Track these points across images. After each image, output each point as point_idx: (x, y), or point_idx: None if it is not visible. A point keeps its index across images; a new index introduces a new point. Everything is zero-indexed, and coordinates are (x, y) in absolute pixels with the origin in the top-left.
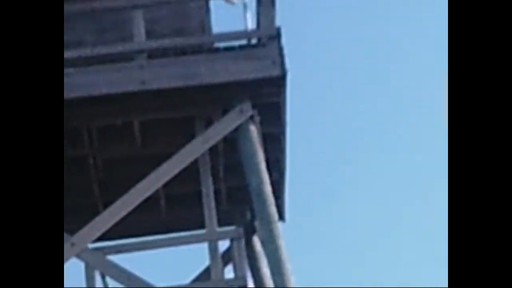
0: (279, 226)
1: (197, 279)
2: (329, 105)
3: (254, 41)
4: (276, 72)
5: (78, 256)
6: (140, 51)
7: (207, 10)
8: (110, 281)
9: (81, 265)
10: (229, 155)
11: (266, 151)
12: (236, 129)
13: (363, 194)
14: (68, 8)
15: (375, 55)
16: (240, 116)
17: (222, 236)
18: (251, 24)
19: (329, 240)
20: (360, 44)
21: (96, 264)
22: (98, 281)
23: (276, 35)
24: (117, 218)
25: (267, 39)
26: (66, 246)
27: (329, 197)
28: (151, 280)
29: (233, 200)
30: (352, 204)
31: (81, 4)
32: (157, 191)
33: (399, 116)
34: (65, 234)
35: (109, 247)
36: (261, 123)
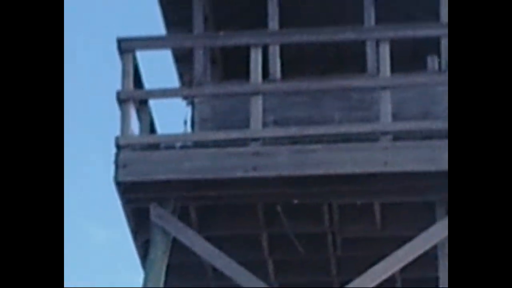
0: None
1: None
2: None
3: None
4: None
5: None
6: (386, 133)
7: None
8: None
9: None
10: None
11: None
12: None
13: None
14: (317, 84)
15: None
16: None
17: None
18: None
19: None
20: None
21: None
22: None
23: None
24: None
25: None
26: None
27: None
28: None
29: None
30: None
31: (331, 82)
32: (393, 274)
33: None
34: None
35: None
36: None
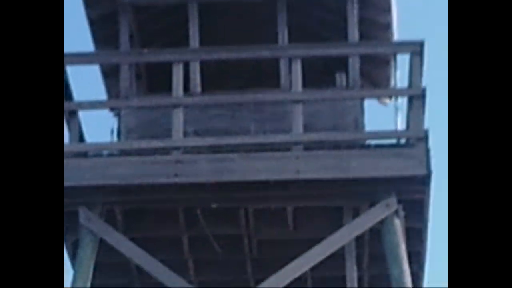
0: None
1: None
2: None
3: (403, 141)
4: (422, 171)
5: None
6: (297, 143)
7: (362, 109)
8: None
9: None
10: (373, 245)
11: (408, 244)
12: (382, 222)
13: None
14: (234, 98)
15: None
16: (386, 210)
17: None
18: (401, 125)
19: None
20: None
21: None
22: None
23: (424, 137)
24: None
25: (415, 140)
26: None
27: None
28: None
29: (374, 287)
30: None
31: (247, 96)
32: (304, 273)
33: None
34: None
35: None
36: (405, 217)
